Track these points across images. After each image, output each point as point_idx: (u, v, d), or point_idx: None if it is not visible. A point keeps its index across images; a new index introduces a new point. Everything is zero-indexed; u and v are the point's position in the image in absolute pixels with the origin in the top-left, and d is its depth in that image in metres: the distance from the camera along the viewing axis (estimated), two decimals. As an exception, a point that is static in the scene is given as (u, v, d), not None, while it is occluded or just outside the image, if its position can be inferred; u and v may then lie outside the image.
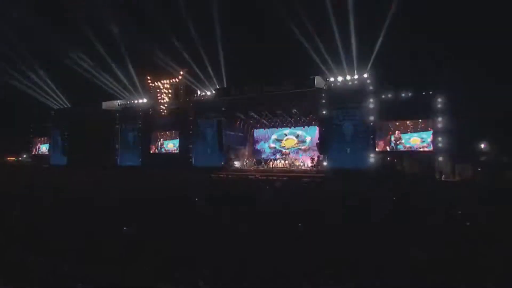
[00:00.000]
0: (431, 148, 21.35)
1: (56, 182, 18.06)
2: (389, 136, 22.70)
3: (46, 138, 40.80)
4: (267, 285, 4.52)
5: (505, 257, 5.50)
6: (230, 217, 8.46)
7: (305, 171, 25.74)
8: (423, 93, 21.30)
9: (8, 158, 45.74)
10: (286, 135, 30.72)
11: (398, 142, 22.35)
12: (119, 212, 9.04)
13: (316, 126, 27.59)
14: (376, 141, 22.82)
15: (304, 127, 29.71)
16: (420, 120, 21.73)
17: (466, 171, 21.00)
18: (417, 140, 21.90)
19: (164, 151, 32.11)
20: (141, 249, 5.85)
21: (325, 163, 24.40)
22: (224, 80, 29.20)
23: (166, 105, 31.31)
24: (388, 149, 22.67)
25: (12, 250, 5.85)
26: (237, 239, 6.52)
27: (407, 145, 22.14)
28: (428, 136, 21.48)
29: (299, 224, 7.55)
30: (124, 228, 7.02)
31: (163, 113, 31.51)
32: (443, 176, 21.18)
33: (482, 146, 20.41)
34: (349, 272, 4.88)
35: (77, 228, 7.20)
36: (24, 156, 44.67)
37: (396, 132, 22.44)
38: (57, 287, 4.52)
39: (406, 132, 22.19)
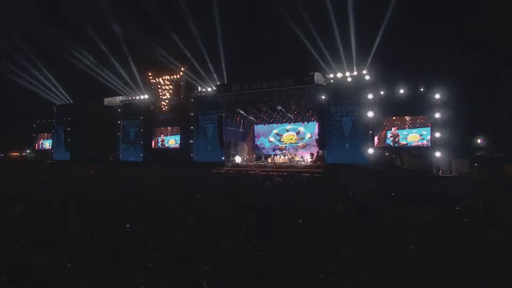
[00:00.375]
0: (429, 144, 21.59)
1: (60, 178, 18.46)
2: (385, 132, 22.94)
3: (49, 133, 41.24)
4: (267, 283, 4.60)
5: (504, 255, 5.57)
6: (230, 214, 8.60)
7: (304, 166, 26.02)
8: (421, 89, 21.46)
9: (12, 154, 46.30)
10: (286, 131, 31.00)
11: (396, 140, 22.57)
12: (121, 209, 9.20)
13: (315, 122, 27.88)
14: (375, 137, 23.08)
15: (303, 123, 29.98)
16: (421, 116, 21.88)
17: (463, 166, 21.31)
18: (416, 136, 22.09)
19: (165, 147, 32.46)
20: (143, 247, 5.99)
21: (324, 158, 24.67)
22: (225, 76, 29.54)
23: (167, 101, 31.60)
24: (392, 144, 22.88)
25: (16, 247, 5.95)
26: (237, 236, 6.63)
27: (404, 142, 22.35)
28: (427, 132, 21.66)
29: (300, 221, 7.67)
30: (127, 225, 7.17)
31: (164, 109, 31.83)
32: (440, 171, 21.51)
33: (479, 141, 20.67)
34: (349, 269, 4.95)
35: (80, 226, 7.34)
36: (28, 151, 45.18)
37: (393, 128, 22.67)
38: (61, 285, 4.56)
39: (404, 128, 22.40)
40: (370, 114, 22.60)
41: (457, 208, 9.39)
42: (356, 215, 8.45)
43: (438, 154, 20.84)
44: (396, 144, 22.54)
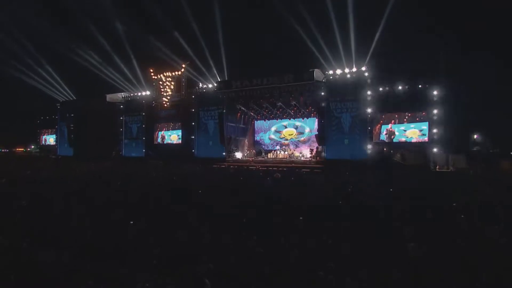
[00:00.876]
0: (426, 139, 21.88)
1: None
2: (379, 126, 23.22)
3: (52, 129, 41.73)
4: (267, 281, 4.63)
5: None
6: (230, 210, 8.77)
7: (304, 162, 26.40)
8: (420, 86, 21.72)
9: (17, 149, 46.94)
10: (285, 127, 31.39)
11: (392, 137, 22.84)
12: (124, 206, 9.36)
13: (315, 118, 28.19)
14: (374, 133, 23.37)
15: (303, 118, 30.33)
16: (419, 112, 22.10)
17: (460, 161, 21.66)
18: (415, 132, 22.30)
19: (167, 143, 32.86)
20: (146, 244, 6.08)
21: (323, 154, 25.04)
22: (225, 73, 29.85)
23: (168, 97, 31.95)
24: (386, 140, 23.23)
25: (22, 245, 5.96)
26: (237, 233, 6.71)
27: (403, 139, 22.62)
28: (425, 127, 21.88)
29: (300, 218, 7.75)
30: (131, 222, 7.35)
31: (165, 105, 32.20)
32: (437, 167, 21.86)
33: (475, 137, 20.96)
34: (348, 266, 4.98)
35: (84, 222, 7.48)
36: (32, 147, 45.78)
37: (389, 124, 22.93)
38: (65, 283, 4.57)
39: (402, 123, 22.65)
40: (369, 110, 22.87)
41: (454, 204, 9.49)
42: (355, 211, 8.58)
43: (435, 149, 21.16)
44: (392, 140, 22.84)
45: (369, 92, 22.87)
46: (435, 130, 21.20)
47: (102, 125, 34.68)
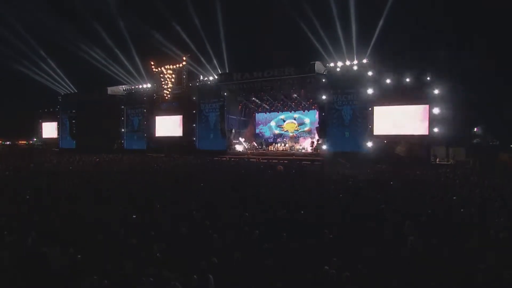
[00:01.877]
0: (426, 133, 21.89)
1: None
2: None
3: (55, 122, 41.85)
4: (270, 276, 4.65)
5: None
6: (231, 205, 8.73)
7: (304, 154, 26.51)
8: (421, 79, 21.64)
9: (20, 142, 47.18)
10: (287, 119, 31.41)
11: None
12: (125, 200, 9.43)
13: (316, 110, 28.18)
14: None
15: (304, 111, 30.33)
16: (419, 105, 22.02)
17: (459, 154, 21.77)
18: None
19: (168, 135, 32.94)
20: (149, 238, 6.12)
21: (324, 147, 25.17)
22: (226, 65, 29.79)
23: (169, 90, 31.96)
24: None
25: (28, 240, 5.93)
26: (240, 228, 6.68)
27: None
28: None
29: (301, 212, 7.82)
30: (133, 216, 7.49)
31: (167, 98, 32.23)
32: (438, 159, 21.97)
33: (475, 129, 21.00)
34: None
35: (88, 217, 7.54)
36: (34, 139, 46.00)
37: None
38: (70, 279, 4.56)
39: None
40: (370, 102, 22.80)
41: (454, 197, 9.61)
42: (356, 205, 8.65)
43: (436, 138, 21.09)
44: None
45: (370, 85, 22.78)
46: (435, 123, 21.15)
47: (103, 118, 34.75)
